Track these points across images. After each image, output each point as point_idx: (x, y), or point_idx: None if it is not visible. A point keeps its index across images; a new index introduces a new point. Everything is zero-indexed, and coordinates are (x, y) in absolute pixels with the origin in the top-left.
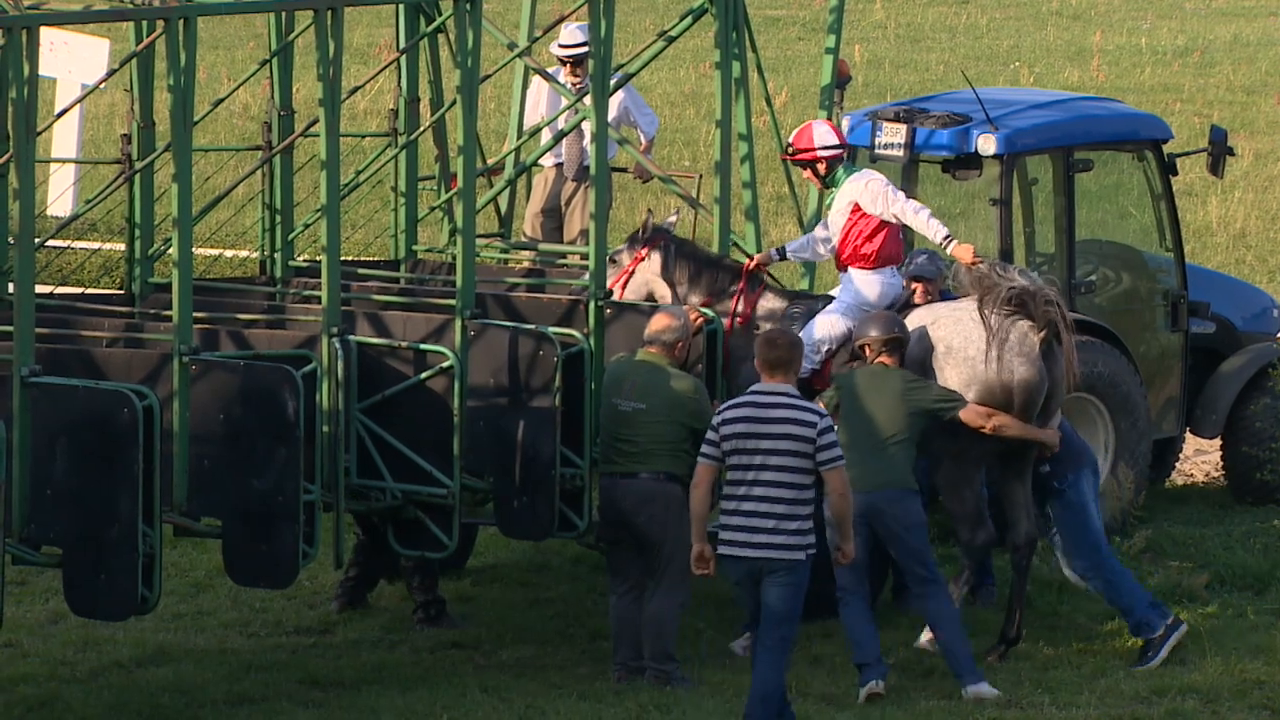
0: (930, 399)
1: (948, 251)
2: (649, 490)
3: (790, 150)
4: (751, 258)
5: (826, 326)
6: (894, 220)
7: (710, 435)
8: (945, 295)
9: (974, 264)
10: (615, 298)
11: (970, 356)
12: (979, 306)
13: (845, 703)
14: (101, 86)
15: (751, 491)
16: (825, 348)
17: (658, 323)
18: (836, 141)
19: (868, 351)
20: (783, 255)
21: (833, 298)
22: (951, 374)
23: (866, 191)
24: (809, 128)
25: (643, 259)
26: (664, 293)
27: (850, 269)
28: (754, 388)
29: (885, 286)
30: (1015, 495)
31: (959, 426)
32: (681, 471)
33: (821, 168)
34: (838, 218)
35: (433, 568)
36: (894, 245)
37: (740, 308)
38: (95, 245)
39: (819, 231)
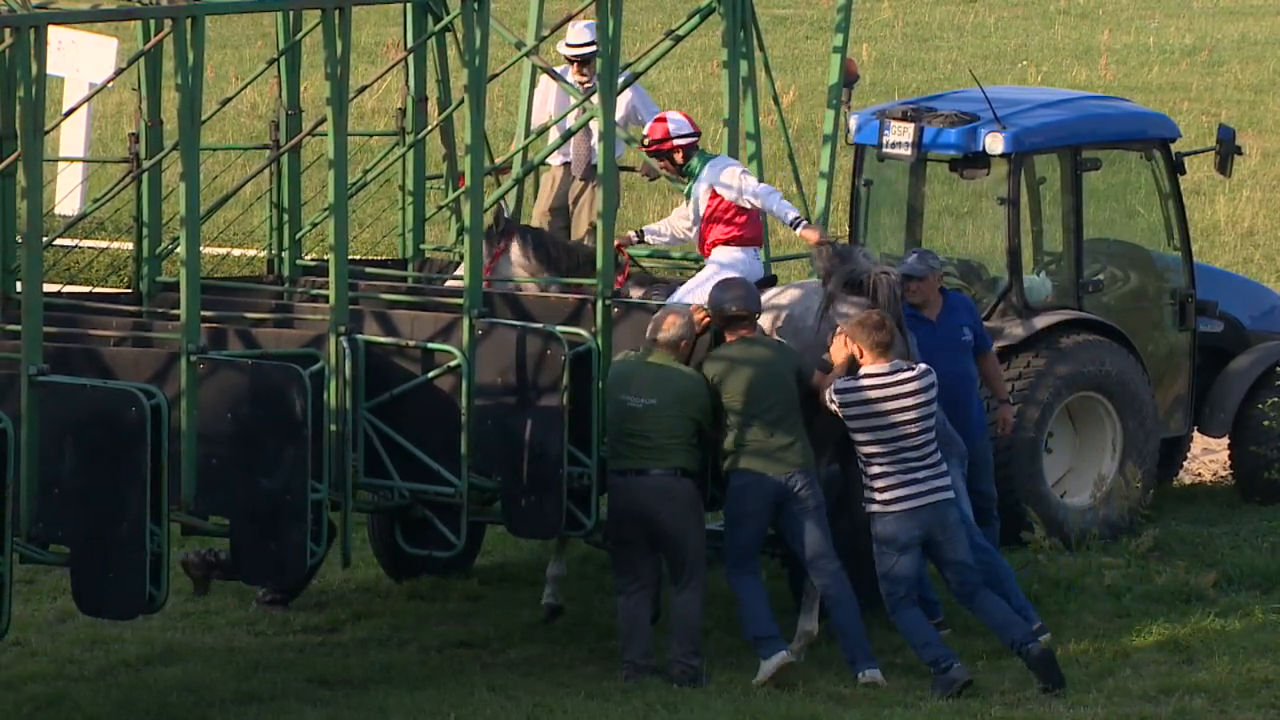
0: (801, 361)
1: (797, 233)
2: (666, 486)
3: (646, 142)
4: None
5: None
6: (749, 205)
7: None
8: (942, 291)
9: (820, 245)
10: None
11: (809, 325)
12: (823, 285)
13: (852, 702)
14: (109, 85)
15: (904, 446)
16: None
17: (663, 321)
18: (690, 130)
19: (723, 321)
20: (641, 238)
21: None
22: (790, 343)
23: (723, 178)
24: (662, 119)
25: (502, 253)
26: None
27: (714, 248)
28: (866, 370)
29: (745, 265)
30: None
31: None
32: (693, 467)
33: (679, 157)
34: (699, 205)
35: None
36: (754, 228)
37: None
38: (103, 244)
39: (679, 212)
